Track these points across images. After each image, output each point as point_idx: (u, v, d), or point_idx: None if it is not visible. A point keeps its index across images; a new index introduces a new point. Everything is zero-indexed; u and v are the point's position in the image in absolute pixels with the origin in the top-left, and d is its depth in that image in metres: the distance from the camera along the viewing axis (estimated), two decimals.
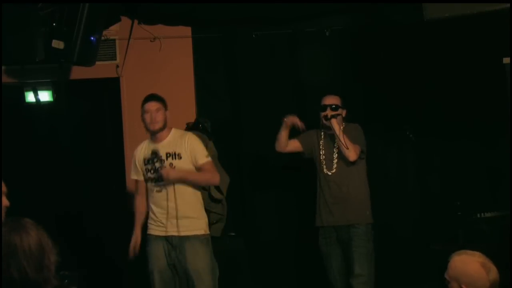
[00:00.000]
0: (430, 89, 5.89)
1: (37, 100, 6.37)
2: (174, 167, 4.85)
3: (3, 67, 5.93)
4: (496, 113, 5.64)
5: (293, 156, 5.50)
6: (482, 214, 5.41)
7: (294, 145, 5.46)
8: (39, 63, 5.40)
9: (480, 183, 5.94)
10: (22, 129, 6.39)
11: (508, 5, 4.59)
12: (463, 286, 2.88)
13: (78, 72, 6.04)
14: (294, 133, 5.43)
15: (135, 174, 5.06)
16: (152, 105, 4.91)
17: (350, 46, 6.14)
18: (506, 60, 5.53)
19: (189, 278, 4.85)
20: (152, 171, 4.91)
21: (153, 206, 4.94)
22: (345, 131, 5.22)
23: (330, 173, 5.29)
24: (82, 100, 6.50)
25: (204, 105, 6.31)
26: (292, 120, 5.32)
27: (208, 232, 4.97)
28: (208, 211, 5.18)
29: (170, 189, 4.84)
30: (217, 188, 5.55)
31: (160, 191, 4.89)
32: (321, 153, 5.35)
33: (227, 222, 5.68)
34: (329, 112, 5.24)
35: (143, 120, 4.93)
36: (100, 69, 6.03)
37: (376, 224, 5.28)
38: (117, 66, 6.26)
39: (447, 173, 6.03)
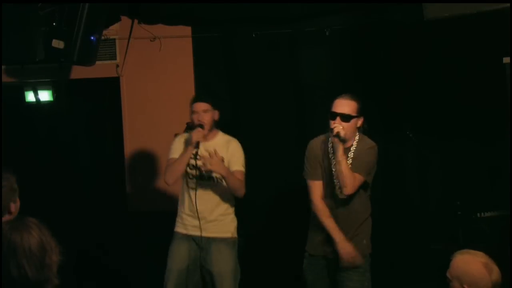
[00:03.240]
0: (430, 88, 5.90)
1: (37, 99, 6.39)
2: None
3: (3, 67, 5.94)
4: (496, 113, 5.65)
5: (294, 156, 5.48)
6: (482, 214, 5.41)
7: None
8: (39, 63, 5.43)
9: (480, 183, 5.93)
10: (22, 129, 6.40)
11: (508, 5, 4.59)
12: (465, 286, 2.88)
13: (78, 72, 6.04)
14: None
15: (175, 154, 4.78)
16: (200, 106, 4.73)
17: (350, 46, 6.14)
18: (506, 60, 5.53)
19: (212, 281, 4.80)
20: (191, 166, 4.77)
21: (183, 204, 4.85)
22: (356, 151, 4.39)
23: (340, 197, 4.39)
24: (82, 100, 6.51)
25: None
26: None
27: (235, 235, 4.92)
28: None
29: (205, 190, 4.79)
30: None
31: (193, 188, 4.77)
32: (333, 168, 4.39)
33: None
34: (337, 127, 4.26)
35: (191, 119, 4.78)
36: (100, 69, 6.03)
37: (376, 224, 5.26)
38: (117, 66, 6.26)
39: (447, 172, 6.03)
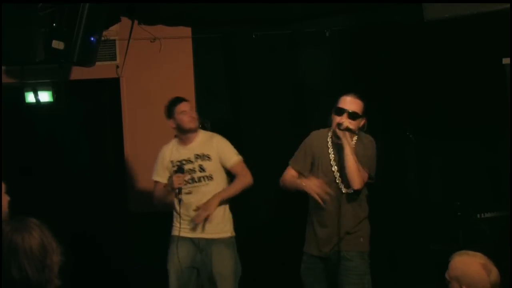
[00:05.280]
0: (430, 89, 5.90)
1: (37, 100, 6.38)
2: (204, 168, 4.81)
3: (3, 68, 5.94)
4: (496, 113, 5.65)
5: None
6: (482, 214, 5.42)
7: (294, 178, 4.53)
8: (39, 64, 5.41)
9: (480, 183, 5.94)
10: (22, 130, 6.39)
11: (508, 5, 4.59)
12: (463, 287, 2.89)
13: (78, 73, 6.04)
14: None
15: (157, 175, 4.95)
16: (187, 105, 4.87)
17: (350, 47, 6.15)
18: (506, 60, 5.54)
19: (213, 281, 4.80)
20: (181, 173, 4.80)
21: (178, 207, 4.82)
22: (356, 146, 4.34)
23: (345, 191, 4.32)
24: (82, 101, 6.51)
25: (204, 105, 6.32)
26: (312, 189, 4.31)
27: (234, 234, 4.94)
28: None
29: (199, 192, 4.82)
30: None
31: (189, 193, 4.82)
32: (332, 164, 4.36)
33: None
34: (345, 121, 4.25)
35: (178, 121, 4.82)
36: (100, 70, 6.03)
37: (377, 225, 5.25)
38: (117, 67, 6.27)
39: (447, 173, 6.04)
